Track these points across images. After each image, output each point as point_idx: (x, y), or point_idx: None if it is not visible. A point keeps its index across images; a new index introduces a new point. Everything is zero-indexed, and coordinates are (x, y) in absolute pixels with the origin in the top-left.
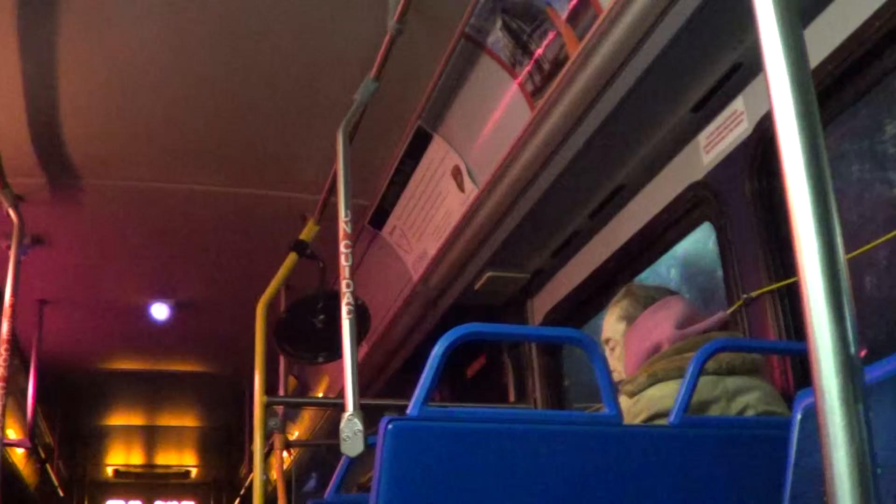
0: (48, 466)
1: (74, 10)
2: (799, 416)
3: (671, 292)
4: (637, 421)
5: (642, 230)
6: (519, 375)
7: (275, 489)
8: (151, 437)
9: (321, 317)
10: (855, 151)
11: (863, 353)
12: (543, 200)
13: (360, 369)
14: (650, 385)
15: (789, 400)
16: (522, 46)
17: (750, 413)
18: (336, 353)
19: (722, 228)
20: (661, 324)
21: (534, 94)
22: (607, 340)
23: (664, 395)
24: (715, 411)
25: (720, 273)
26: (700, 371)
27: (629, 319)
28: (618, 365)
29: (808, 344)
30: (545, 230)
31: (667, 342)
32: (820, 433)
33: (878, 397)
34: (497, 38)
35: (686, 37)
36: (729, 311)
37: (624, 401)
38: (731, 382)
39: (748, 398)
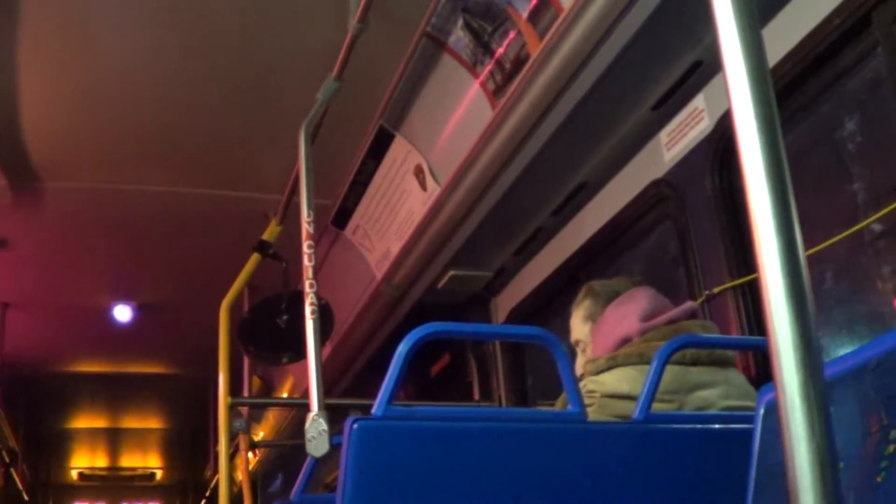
0: (12, 470)
1: (33, 12)
2: (762, 412)
3: (633, 283)
4: (591, 398)
5: (604, 227)
6: (483, 374)
7: (240, 490)
8: (116, 439)
9: (285, 317)
10: (815, 148)
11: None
12: (505, 199)
13: (324, 369)
14: (609, 368)
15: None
16: (484, 45)
17: (711, 410)
18: (300, 354)
19: (683, 225)
20: (627, 317)
21: (495, 93)
22: (577, 342)
23: (621, 379)
24: (674, 402)
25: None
26: (664, 366)
27: (594, 318)
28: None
29: (769, 340)
30: (508, 228)
31: (634, 334)
32: (781, 428)
33: (838, 392)
34: (458, 37)
35: (646, 35)
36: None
37: (586, 382)
38: (695, 374)
39: (708, 393)
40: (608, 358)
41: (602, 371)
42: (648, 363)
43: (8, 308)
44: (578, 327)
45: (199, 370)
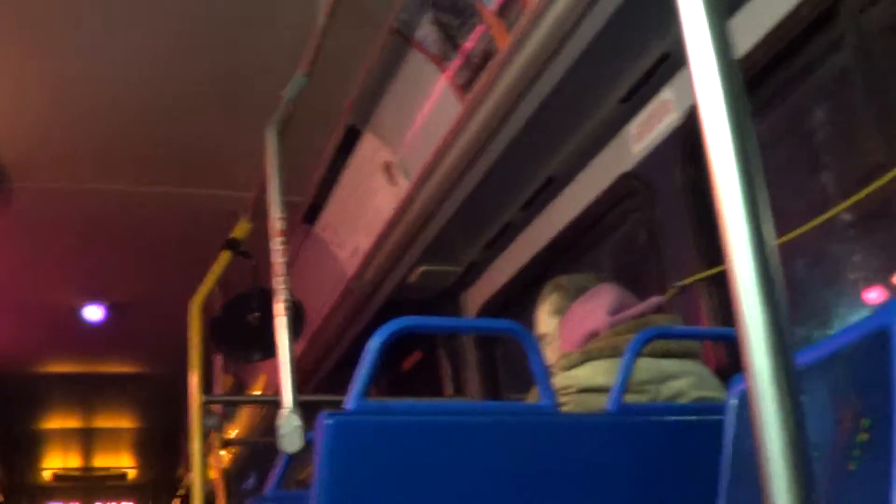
0: None
1: (1, 10)
2: (734, 402)
3: (600, 279)
4: (567, 395)
5: (574, 221)
6: (455, 368)
7: (213, 489)
8: (88, 439)
9: (256, 314)
10: (783, 138)
11: None
12: (475, 193)
13: (296, 366)
14: (583, 362)
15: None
16: (452, 40)
17: (682, 399)
18: (272, 351)
19: (652, 218)
20: (595, 311)
21: (464, 88)
22: (543, 336)
23: (595, 372)
24: (650, 392)
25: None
26: (635, 358)
27: (560, 312)
28: (554, 358)
29: (739, 329)
30: (477, 223)
31: (602, 328)
32: (752, 418)
33: (809, 381)
34: (426, 32)
35: (614, 27)
36: (662, 299)
37: (559, 380)
38: (666, 365)
39: (680, 383)
40: (581, 352)
41: (575, 365)
42: (622, 356)
43: None
44: (545, 321)
45: (171, 368)
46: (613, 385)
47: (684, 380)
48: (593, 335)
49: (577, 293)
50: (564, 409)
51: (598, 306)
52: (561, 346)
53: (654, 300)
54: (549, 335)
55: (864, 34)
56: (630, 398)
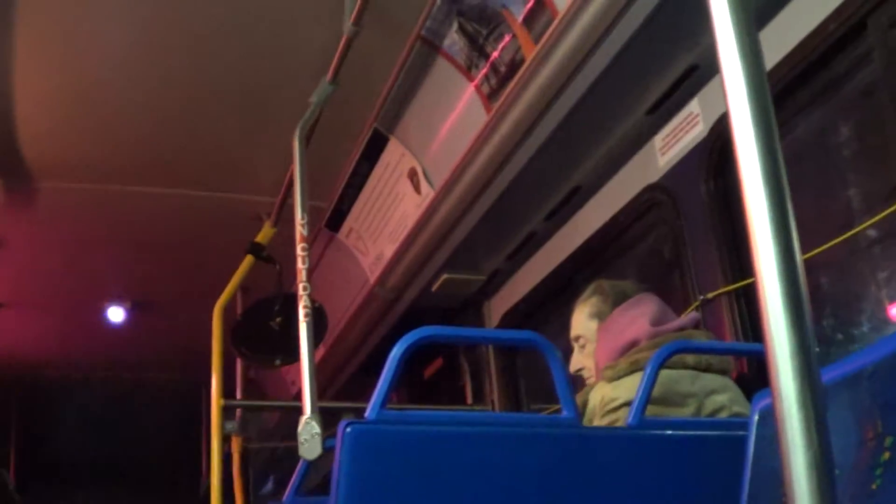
0: (3, 471)
1: (31, 12)
2: (756, 418)
3: (641, 288)
4: (612, 405)
5: (598, 232)
6: (476, 377)
7: (232, 492)
8: (108, 439)
9: (278, 319)
10: (810, 153)
11: None
12: (500, 202)
13: (317, 372)
14: (631, 372)
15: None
16: (478, 49)
17: (723, 414)
18: (293, 356)
19: (677, 230)
20: (637, 320)
21: (490, 97)
22: (577, 338)
23: None
24: (692, 405)
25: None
26: (657, 372)
27: (600, 316)
28: (587, 362)
29: (766, 346)
30: (502, 232)
31: (644, 338)
32: (778, 435)
33: (833, 399)
34: (453, 40)
35: (642, 39)
36: (686, 313)
37: (602, 388)
38: (709, 380)
39: (722, 398)
40: (629, 363)
41: (622, 376)
42: (668, 367)
43: (1, 308)
44: (583, 323)
45: (192, 371)
46: (664, 394)
47: (725, 395)
48: (634, 345)
49: (617, 299)
50: (612, 421)
51: (640, 315)
52: (597, 351)
53: (693, 315)
54: (584, 337)
55: (892, 49)
56: (672, 411)
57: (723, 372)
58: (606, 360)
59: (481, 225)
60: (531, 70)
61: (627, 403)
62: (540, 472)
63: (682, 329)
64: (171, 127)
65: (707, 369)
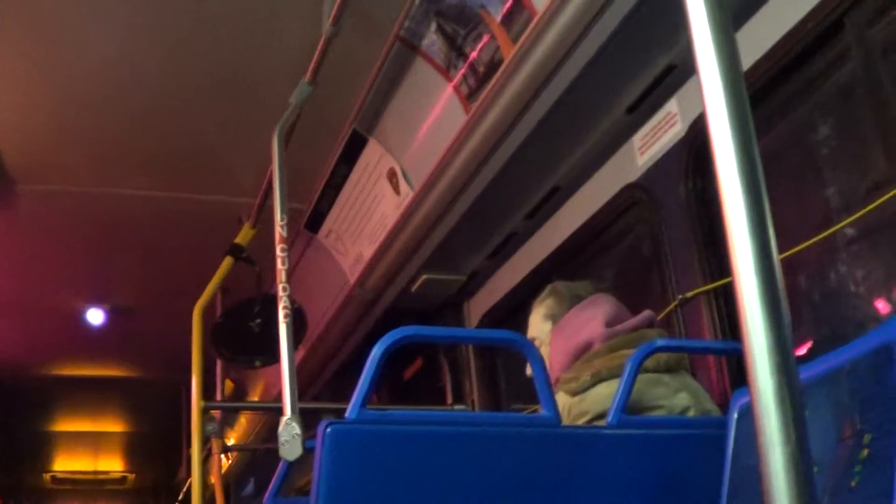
0: None
1: (8, 14)
2: (735, 416)
3: (597, 289)
4: (582, 420)
5: (578, 231)
6: (456, 377)
7: (213, 494)
8: (88, 442)
9: (258, 321)
10: (788, 152)
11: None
12: (479, 202)
13: (297, 373)
14: (595, 384)
15: (727, 399)
16: (457, 49)
17: (691, 413)
18: (273, 357)
19: (656, 229)
20: (591, 321)
21: (469, 97)
22: (533, 339)
23: (611, 394)
24: (663, 410)
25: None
26: (638, 371)
27: (554, 318)
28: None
29: (744, 344)
30: (481, 232)
31: (598, 340)
32: (756, 433)
33: (811, 396)
34: (432, 40)
35: (620, 38)
36: (665, 312)
37: (563, 398)
38: (670, 380)
39: (685, 396)
40: (592, 374)
41: (587, 388)
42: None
43: None
44: (537, 325)
45: (172, 373)
46: (618, 398)
47: (686, 393)
48: (588, 346)
49: (572, 301)
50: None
51: (593, 316)
52: (552, 353)
53: (647, 314)
54: (539, 339)
55: (870, 49)
56: (648, 415)
57: (680, 369)
58: (560, 361)
59: (461, 225)
60: (510, 70)
61: (600, 416)
62: (520, 472)
63: (635, 329)
64: (149, 128)
65: (668, 370)
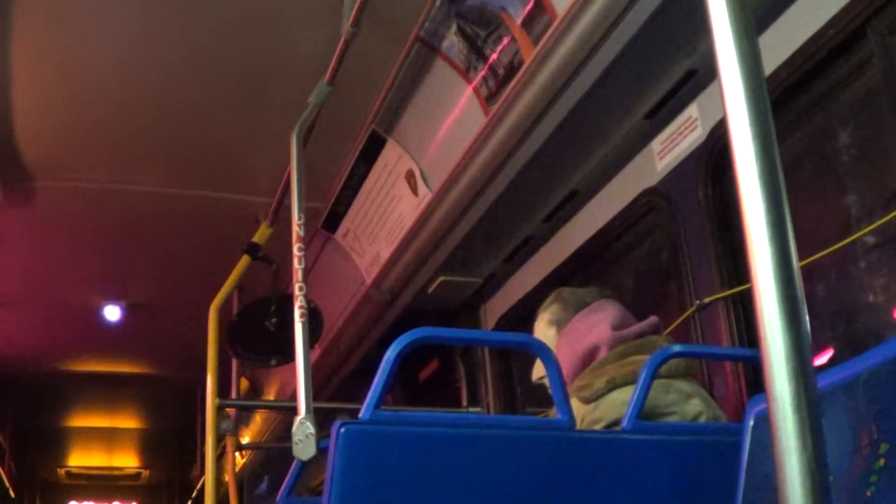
0: None
1: (27, 10)
2: (751, 423)
3: (602, 295)
4: (597, 427)
5: (595, 236)
6: (471, 379)
7: (226, 492)
8: (103, 438)
9: (274, 319)
10: (809, 159)
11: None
12: (497, 205)
13: (312, 372)
14: (609, 391)
15: (743, 406)
16: (477, 51)
17: (703, 418)
18: (288, 356)
19: (675, 235)
20: (597, 326)
21: (488, 99)
22: None
23: (625, 401)
24: (675, 416)
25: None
26: (653, 376)
27: (559, 324)
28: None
29: (761, 351)
30: (499, 235)
31: (604, 345)
32: (773, 441)
33: (828, 405)
34: (452, 42)
35: (641, 42)
36: (682, 318)
37: (576, 406)
38: (681, 385)
39: (697, 402)
40: (606, 380)
41: (602, 395)
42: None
43: None
44: (542, 330)
45: (187, 371)
46: (633, 403)
47: (699, 399)
48: (594, 349)
49: (577, 307)
50: None
51: (599, 321)
52: (558, 359)
53: (653, 319)
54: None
55: (892, 56)
56: (662, 421)
57: (690, 376)
58: (567, 366)
59: (478, 227)
60: (530, 73)
61: (615, 423)
62: (534, 475)
63: (642, 334)
64: (168, 126)
65: (679, 376)
